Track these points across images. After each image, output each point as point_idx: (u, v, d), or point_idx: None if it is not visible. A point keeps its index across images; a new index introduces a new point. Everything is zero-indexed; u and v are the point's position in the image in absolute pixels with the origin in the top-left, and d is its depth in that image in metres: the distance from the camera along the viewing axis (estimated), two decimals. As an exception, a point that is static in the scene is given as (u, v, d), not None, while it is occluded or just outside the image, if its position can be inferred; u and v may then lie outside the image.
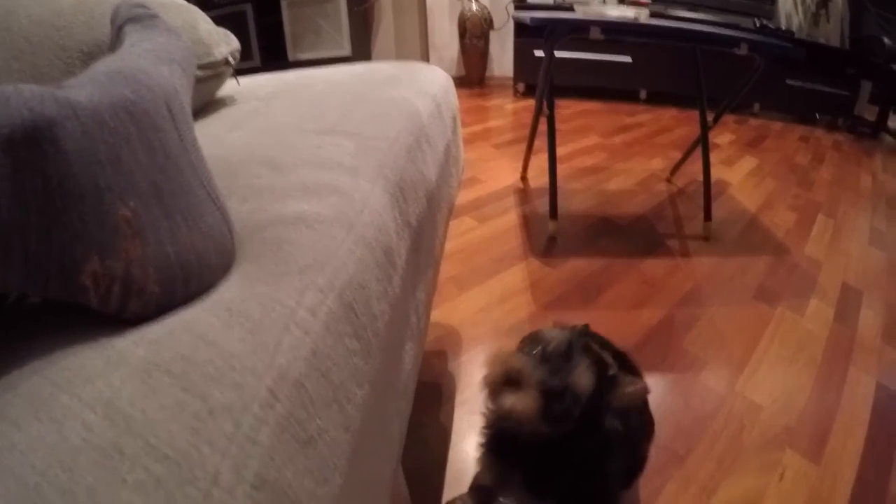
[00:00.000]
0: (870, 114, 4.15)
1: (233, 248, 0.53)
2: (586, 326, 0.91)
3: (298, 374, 0.43)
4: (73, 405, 0.36)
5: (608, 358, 0.86)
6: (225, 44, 0.98)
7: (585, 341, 0.84)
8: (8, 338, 0.42)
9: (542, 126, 2.24)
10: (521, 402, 0.76)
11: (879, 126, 4.03)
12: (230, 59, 0.98)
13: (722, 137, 3.66)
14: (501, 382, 0.79)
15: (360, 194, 0.66)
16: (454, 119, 1.17)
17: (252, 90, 1.08)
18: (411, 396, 0.80)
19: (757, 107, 4.45)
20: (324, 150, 0.74)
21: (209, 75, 0.93)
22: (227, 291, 0.49)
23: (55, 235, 0.38)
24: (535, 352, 0.80)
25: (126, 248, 0.41)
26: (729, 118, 4.09)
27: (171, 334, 0.43)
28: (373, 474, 0.58)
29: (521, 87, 4.52)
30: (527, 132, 2.64)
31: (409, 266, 0.73)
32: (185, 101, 0.56)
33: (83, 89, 0.42)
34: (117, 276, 0.41)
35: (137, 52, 0.58)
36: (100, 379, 0.38)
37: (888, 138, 3.95)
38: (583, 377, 0.78)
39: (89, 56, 0.79)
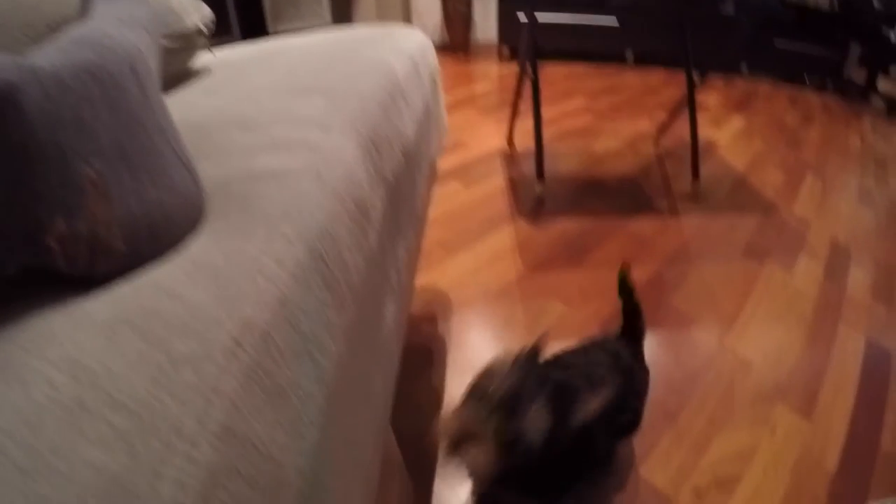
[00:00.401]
0: (859, 76, 4.12)
1: (201, 205, 0.53)
2: (540, 342, 0.88)
3: (264, 324, 0.43)
4: (40, 366, 0.37)
5: (566, 376, 0.88)
6: (196, 13, 0.96)
7: (538, 371, 0.83)
8: None
9: (528, 90, 2.20)
10: (479, 457, 0.76)
11: (869, 88, 4.01)
12: (202, 28, 0.97)
13: (710, 98, 3.63)
14: (458, 440, 0.78)
15: (330, 147, 0.65)
16: (433, 79, 1.17)
17: (228, 59, 1.08)
18: (396, 355, 0.80)
19: (745, 68, 4.41)
20: (296, 109, 0.73)
21: (181, 45, 0.92)
22: (194, 246, 0.48)
23: (20, 199, 0.38)
24: (485, 398, 0.79)
25: (91, 208, 0.41)
26: (717, 79, 4.07)
27: (135, 290, 0.43)
28: (355, 432, 0.57)
29: (505, 51, 4.47)
30: (512, 96, 2.60)
31: (387, 221, 0.72)
32: (152, 63, 0.56)
33: (46, 55, 0.43)
34: (83, 237, 0.41)
35: (103, 18, 0.59)
36: (66, 339, 0.38)
37: (877, 100, 3.93)
38: (535, 419, 0.77)
39: (57, 31, 0.77)
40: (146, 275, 0.44)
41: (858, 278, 1.85)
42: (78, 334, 0.38)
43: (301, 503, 0.42)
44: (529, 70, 2.16)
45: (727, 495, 1.10)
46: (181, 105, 0.72)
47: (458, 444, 0.77)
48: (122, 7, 0.63)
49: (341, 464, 0.51)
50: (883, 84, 4.04)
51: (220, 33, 3.98)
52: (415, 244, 0.95)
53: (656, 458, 1.16)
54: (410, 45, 1.11)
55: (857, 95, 4.02)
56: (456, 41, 4.70)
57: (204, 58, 1.07)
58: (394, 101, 0.86)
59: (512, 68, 4.06)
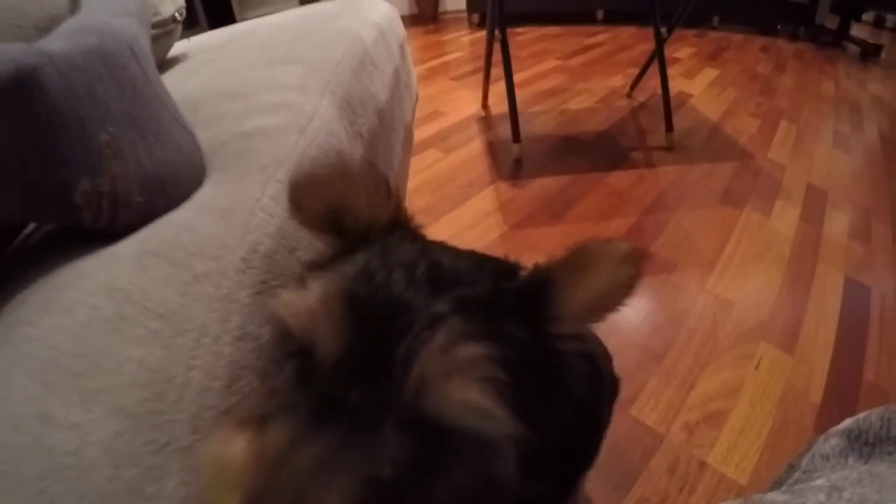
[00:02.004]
0: (831, 23, 4.13)
1: (202, 163, 0.61)
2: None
3: (266, 249, 0.51)
4: (78, 296, 0.43)
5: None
6: (171, 2, 1.03)
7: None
8: (13, 270, 0.48)
9: (499, 54, 2.21)
10: None
11: (841, 34, 4.02)
12: (177, 15, 1.04)
13: (682, 51, 3.64)
14: None
15: (309, 106, 0.72)
16: (401, 46, 1.21)
17: (204, 44, 1.15)
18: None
19: (716, 20, 4.42)
20: (275, 78, 0.80)
21: (160, 33, 0.99)
22: (200, 194, 0.56)
23: (49, 163, 0.44)
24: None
25: (110, 168, 0.48)
26: (688, 32, 4.07)
27: (155, 229, 0.50)
28: None
29: (475, 18, 4.44)
30: (484, 62, 2.61)
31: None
32: (145, 44, 0.63)
33: (55, 42, 0.48)
34: (105, 192, 0.47)
35: (96, 11, 0.64)
36: (99, 273, 0.45)
37: (851, 46, 3.94)
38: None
39: (45, 30, 0.83)
40: (162, 218, 0.52)
41: (835, 219, 1.88)
42: (109, 268, 0.45)
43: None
44: (498, 33, 2.16)
45: (717, 429, 1.13)
46: (167, 86, 0.77)
47: None
48: (110, 0, 0.69)
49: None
50: (856, 30, 4.05)
51: (189, 26, 3.92)
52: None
53: (646, 397, 1.19)
54: (376, 14, 1.15)
55: (831, 42, 4.03)
56: (425, 12, 4.67)
57: (181, 45, 1.14)
58: (363, 67, 0.91)
59: (482, 35, 4.01)
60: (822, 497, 0.38)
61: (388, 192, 0.44)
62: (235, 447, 0.31)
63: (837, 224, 1.85)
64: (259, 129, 0.65)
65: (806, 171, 2.18)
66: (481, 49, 3.43)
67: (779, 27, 4.35)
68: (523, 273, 0.41)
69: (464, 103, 2.74)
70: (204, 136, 0.64)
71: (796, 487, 0.44)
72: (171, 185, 0.54)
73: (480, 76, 2.72)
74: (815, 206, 1.95)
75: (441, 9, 4.77)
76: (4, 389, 0.38)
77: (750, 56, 3.69)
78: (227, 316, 0.44)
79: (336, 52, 0.88)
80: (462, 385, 0.31)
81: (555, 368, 0.38)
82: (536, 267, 0.40)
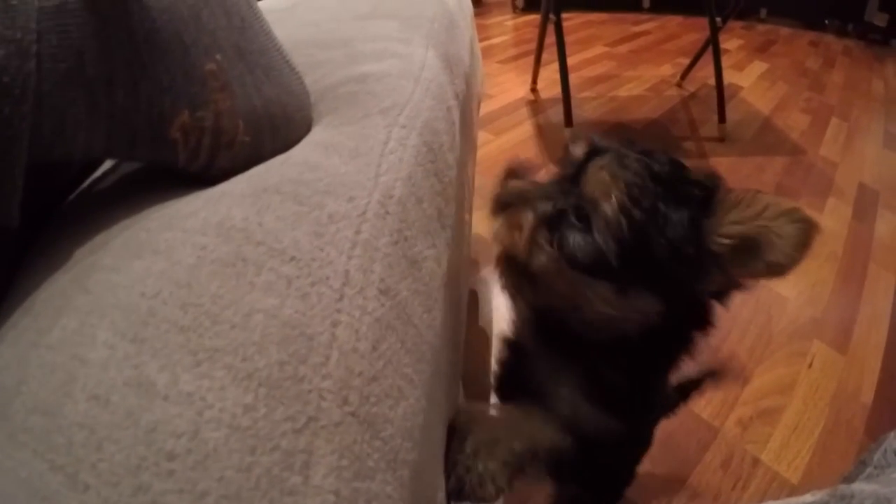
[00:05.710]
0: (880, 20, 4.05)
1: (310, 106, 0.55)
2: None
3: (400, 195, 0.45)
4: (176, 237, 0.35)
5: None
6: None
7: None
8: (80, 214, 0.42)
9: (550, 37, 2.20)
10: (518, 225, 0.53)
11: (890, 32, 3.93)
12: None
13: (730, 42, 3.58)
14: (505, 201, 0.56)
15: (417, 57, 0.68)
16: (472, 18, 1.19)
17: (267, 8, 1.11)
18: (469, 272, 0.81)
19: (764, 12, 4.34)
20: (370, 29, 0.76)
21: None
22: (315, 135, 0.51)
23: (143, 88, 0.38)
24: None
25: (215, 100, 0.42)
26: (736, 24, 4.00)
27: (270, 167, 0.44)
28: (456, 335, 0.60)
29: (519, 2, 4.39)
30: (530, 47, 2.60)
31: (461, 134, 0.73)
32: None
33: None
34: (207, 127, 0.42)
35: None
36: (203, 211, 0.38)
37: (901, 45, 3.85)
38: (611, 216, 0.48)
39: None
40: (278, 158, 0.46)
41: (887, 219, 1.86)
42: (217, 206, 0.38)
43: (435, 378, 0.43)
44: (552, 15, 2.14)
45: (770, 426, 1.14)
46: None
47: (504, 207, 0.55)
48: None
49: (447, 360, 0.51)
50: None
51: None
52: (473, 168, 1.00)
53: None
54: (449, -15, 1.12)
55: (879, 40, 3.95)
56: (469, -7, 4.62)
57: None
58: (453, 28, 0.88)
59: (527, 19, 4.00)
60: None
61: None
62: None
63: (889, 225, 1.83)
64: (370, 74, 0.60)
65: (857, 169, 2.16)
66: (526, 33, 3.42)
67: (826, 22, 4.26)
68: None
69: (512, 86, 2.73)
70: (306, 81, 0.59)
71: (881, 478, 0.44)
72: (281, 128, 0.49)
73: (526, 60, 2.70)
74: (866, 205, 1.93)
75: (484, -9, 4.73)
76: (80, 348, 0.30)
77: (798, 50, 3.63)
78: (370, 265, 0.38)
79: (427, 10, 0.85)
80: (605, 181, 0.49)
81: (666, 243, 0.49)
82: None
